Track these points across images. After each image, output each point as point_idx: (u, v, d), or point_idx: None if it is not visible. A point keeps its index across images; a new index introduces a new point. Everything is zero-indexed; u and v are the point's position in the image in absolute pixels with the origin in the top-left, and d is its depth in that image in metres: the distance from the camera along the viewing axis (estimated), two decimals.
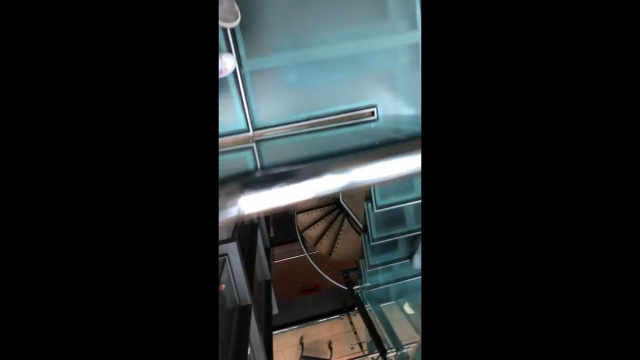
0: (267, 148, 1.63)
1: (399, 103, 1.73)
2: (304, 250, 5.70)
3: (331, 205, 5.86)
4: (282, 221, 8.46)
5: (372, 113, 1.66)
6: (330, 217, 5.78)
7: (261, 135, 1.61)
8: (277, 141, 1.66)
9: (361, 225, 3.39)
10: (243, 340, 2.56)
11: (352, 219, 4.33)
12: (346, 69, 1.62)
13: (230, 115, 1.52)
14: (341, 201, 3.68)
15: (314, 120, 1.63)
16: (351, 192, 3.71)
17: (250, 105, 1.54)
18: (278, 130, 1.60)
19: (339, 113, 1.63)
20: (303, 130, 1.60)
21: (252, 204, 1.45)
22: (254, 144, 1.63)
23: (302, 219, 5.78)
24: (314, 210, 5.80)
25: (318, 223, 5.74)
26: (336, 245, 5.54)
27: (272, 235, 6.82)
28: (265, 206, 1.46)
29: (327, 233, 5.66)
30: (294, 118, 1.60)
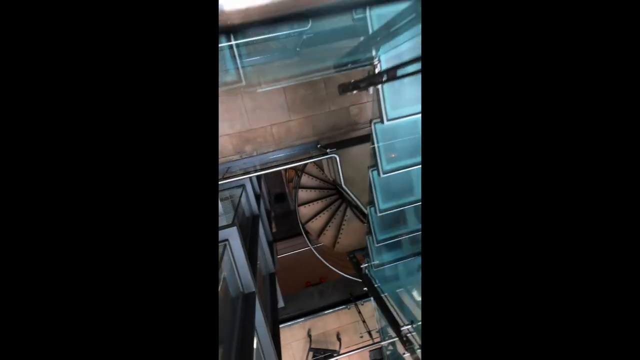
0: None
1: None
2: (308, 242, 5.62)
3: (332, 196, 5.79)
4: (283, 216, 8.41)
5: (373, 65, 1.55)
6: (332, 207, 5.72)
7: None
8: None
9: (365, 211, 3.30)
10: (248, 329, 2.45)
11: (355, 204, 4.24)
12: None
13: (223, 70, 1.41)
14: (343, 186, 3.58)
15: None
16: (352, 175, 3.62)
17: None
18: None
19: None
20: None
21: None
22: None
23: (304, 212, 5.71)
24: (315, 202, 5.73)
25: (320, 215, 5.68)
26: (340, 235, 5.47)
27: (274, 230, 6.75)
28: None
29: (330, 224, 5.60)
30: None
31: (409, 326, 2.23)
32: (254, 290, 2.69)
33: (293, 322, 4.90)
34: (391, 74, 1.33)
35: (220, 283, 2.39)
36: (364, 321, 4.81)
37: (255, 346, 2.42)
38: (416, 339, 2.18)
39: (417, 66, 1.22)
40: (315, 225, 5.65)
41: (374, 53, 1.66)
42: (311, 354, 4.88)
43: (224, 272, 2.53)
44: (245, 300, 2.66)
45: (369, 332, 4.67)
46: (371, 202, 2.64)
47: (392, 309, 2.49)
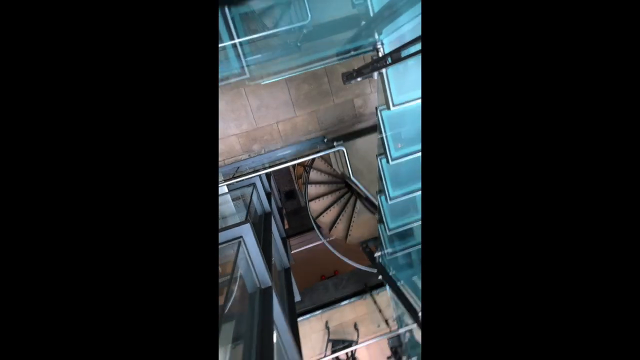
0: None
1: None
2: (320, 236, 5.65)
3: (342, 189, 5.80)
4: (294, 213, 8.46)
5: (376, 50, 1.54)
6: (342, 201, 5.73)
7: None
8: None
9: (374, 202, 3.30)
10: (267, 324, 2.50)
11: (364, 196, 4.25)
12: None
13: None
14: (352, 178, 3.59)
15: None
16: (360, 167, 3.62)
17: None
18: None
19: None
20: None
21: None
22: None
23: (314, 207, 5.73)
24: (325, 197, 5.74)
25: (330, 209, 5.69)
26: (351, 228, 5.48)
27: (286, 227, 6.79)
28: None
29: (341, 217, 5.61)
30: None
31: None
32: (270, 284, 2.73)
33: (310, 314, 4.95)
34: (395, 55, 1.34)
35: (238, 280, 2.43)
36: (380, 310, 4.83)
37: (275, 340, 2.46)
38: None
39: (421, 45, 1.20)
40: (326, 219, 5.68)
41: (376, 37, 1.66)
42: (330, 344, 4.93)
43: (239, 269, 2.57)
44: (263, 295, 2.71)
45: (386, 321, 4.69)
46: (381, 191, 2.65)
47: (408, 296, 2.50)
